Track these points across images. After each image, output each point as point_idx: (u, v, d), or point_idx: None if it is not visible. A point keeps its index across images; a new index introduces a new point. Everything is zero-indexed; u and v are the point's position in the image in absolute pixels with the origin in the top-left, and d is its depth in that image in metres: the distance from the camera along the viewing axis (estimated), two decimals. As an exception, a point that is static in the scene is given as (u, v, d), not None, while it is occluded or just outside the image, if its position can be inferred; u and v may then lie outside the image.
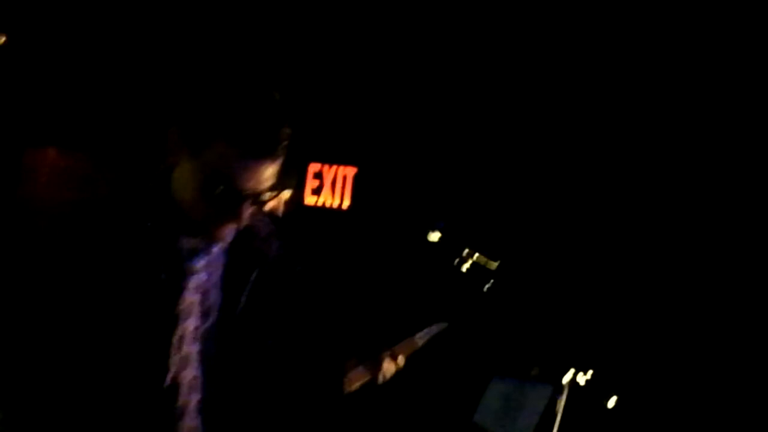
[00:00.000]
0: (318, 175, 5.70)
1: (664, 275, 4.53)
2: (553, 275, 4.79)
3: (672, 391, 4.35)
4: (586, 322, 4.62)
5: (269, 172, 1.81)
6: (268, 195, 1.88)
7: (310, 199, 5.69)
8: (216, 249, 1.95)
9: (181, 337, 1.90)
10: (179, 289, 1.89)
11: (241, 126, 1.75)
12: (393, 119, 5.45)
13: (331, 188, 5.64)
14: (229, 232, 1.90)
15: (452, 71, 5.24)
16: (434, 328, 3.53)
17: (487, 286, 3.48)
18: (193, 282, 1.92)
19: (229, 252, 1.98)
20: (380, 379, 3.29)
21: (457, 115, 5.22)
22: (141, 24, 5.86)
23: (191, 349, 1.92)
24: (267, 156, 1.79)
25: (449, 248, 3.51)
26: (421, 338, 3.49)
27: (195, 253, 1.92)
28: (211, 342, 1.95)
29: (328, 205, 5.63)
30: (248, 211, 1.85)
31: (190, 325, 1.92)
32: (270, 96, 1.80)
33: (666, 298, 4.50)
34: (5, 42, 5.41)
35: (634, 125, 4.72)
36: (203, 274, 1.94)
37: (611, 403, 3.32)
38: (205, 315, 1.94)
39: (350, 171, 5.62)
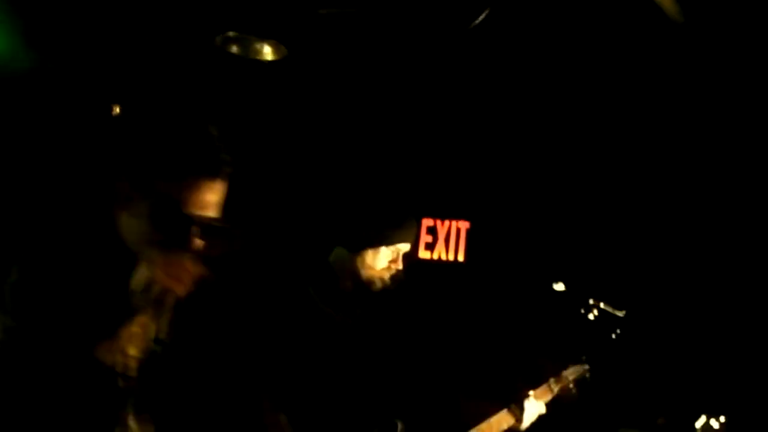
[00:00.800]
0: (431, 230, 5.84)
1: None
2: (678, 321, 4.76)
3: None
4: (712, 366, 4.57)
5: (211, 197, 1.94)
6: (217, 223, 1.96)
7: (423, 254, 5.80)
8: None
9: (125, 366, 1.96)
10: (124, 321, 1.96)
11: (176, 153, 1.90)
12: (504, 172, 5.52)
13: (445, 243, 5.74)
14: (180, 281, 1.97)
15: (562, 123, 5.30)
16: (572, 371, 3.56)
17: (613, 334, 3.50)
18: (141, 316, 1.99)
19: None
20: (524, 424, 3.36)
21: (572, 168, 5.26)
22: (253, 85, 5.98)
23: (131, 383, 1.99)
24: (205, 177, 1.92)
25: (574, 298, 3.55)
26: (557, 383, 3.54)
27: (145, 290, 1.99)
28: (150, 375, 2.03)
29: (443, 259, 5.73)
30: (199, 241, 1.94)
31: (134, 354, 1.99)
32: (202, 124, 1.96)
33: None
34: (120, 113, 5.62)
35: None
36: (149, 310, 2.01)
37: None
38: (146, 349, 2.01)
39: (463, 225, 5.73)
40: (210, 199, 1.95)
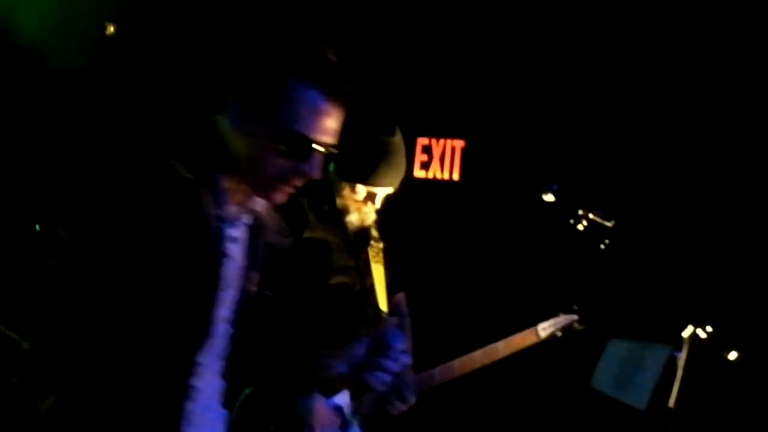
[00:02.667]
0: (426, 149, 5.72)
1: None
2: (668, 232, 4.77)
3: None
4: (701, 276, 4.60)
5: (334, 123, 1.91)
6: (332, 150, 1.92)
7: (419, 173, 5.67)
8: (243, 223, 2.01)
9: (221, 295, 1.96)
10: (220, 254, 1.93)
11: (309, 71, 1.86)
12: (498, 90, 5.49)
13: (440, 162, 5.74)
14: (280, 195, 1.94)
15: (556, 42, 5.27)
16: (561, 320, 3.54)
17: (602, 245, 3.50)
18: (232, 250, 1.97)
19: (249, 236, 2.04)
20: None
21: (561, 80, 5.24)
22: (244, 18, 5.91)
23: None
24: (333, 103, 1.89)
25: (564, 209, 3.54)
26: (544, 329, 3.52)
27: (231, 223, 1.96)
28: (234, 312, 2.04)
29: (438, 178, 5.73)
30: (320, 162, 1.90)
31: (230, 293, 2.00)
32: (331, 46, 1.93)
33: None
34: (115, 32, 5.51)
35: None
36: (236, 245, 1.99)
37: (733, 356, 3.29)
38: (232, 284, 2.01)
39: (458, 144, 5.69)
40: (332, 126, 1.92)
